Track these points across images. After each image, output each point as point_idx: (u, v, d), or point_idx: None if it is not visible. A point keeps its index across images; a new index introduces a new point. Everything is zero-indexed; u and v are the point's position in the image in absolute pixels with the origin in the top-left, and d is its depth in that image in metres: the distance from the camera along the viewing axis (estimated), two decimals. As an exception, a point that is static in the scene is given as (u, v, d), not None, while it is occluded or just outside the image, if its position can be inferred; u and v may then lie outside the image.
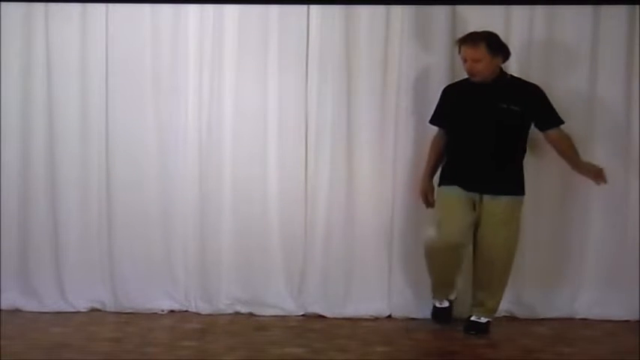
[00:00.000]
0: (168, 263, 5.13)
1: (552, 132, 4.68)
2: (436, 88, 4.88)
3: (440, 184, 4.73)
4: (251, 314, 5.06)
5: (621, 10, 4.95)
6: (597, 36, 4.97)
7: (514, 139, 4.63)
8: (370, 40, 5.00)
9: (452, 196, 4.64)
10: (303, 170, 5.06)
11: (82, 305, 5.08)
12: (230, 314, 5.06)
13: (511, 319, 5.01)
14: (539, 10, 4.98)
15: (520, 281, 5.04)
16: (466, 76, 4.66)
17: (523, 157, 4.70)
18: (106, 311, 5.08)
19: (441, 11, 4.98)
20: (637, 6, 4.93)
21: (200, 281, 5.11)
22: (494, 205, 4.60)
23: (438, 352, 4.38)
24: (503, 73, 4.65)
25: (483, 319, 4.69)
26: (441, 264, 4.69)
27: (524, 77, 4.96)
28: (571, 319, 5.00)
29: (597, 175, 4.68)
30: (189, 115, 5.07)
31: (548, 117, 4.67)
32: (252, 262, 5.09)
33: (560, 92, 4.98)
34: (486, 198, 4.61)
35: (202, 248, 5.10)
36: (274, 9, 5.01)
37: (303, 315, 5.05)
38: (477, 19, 4.97)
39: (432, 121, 4.80)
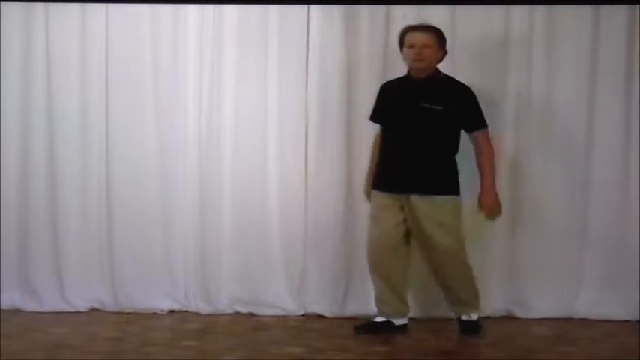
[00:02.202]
0: (168, 263, 5.13)
1: (474, 135, 4.54)
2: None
3: (372, 188, 4.67)
4: (251, 314, 5.06)
5: (621, 10, 4.96)
6: (597, 36, 4.98)
7: (437, 138, 4.48)
8: (370, 40, 5.00)
9: (378, 199, 4.59)
10: (303, 170, 5.06)
11: (82, 305, 5.08)
12: (230, 314, 5.07)
13: (511, 319, 5.02)
14: (539, 10, 4.98)
15: (520, 281, 5.05)
16: (401, 76, 4.63)
17: (452, 158, 4.55)
18: (106, 311, 5.09)
19: (440, 11, 4.98)
20: (637, 6, 4.94)
21: (200, 281, 5.11)
22: (423, 205, 4.47)
23: (438, 352, 4.37)
24: (437, 72, 4.55)
25: (474, 316, 4.62)
26: (375, 268, 4.64)
27: (524, 77, 4.99)
28: (571, 319, 5.00)
29: (491, 212, 4.53)
30: (189, 115, 5.08)
31: (470, 120, 4.52)
32: (252, 262, 5.10)
33: (561, 92, 5.00)
34: (414, 199, 4.49)
35: (202, 248, 5.10)
36: (274, 9, 5.01)
37: (303, 315, 5.05)
38: (477, 19, 4.99)
39: (371, 118, 4.73)
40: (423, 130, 4.46)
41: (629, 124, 5.00)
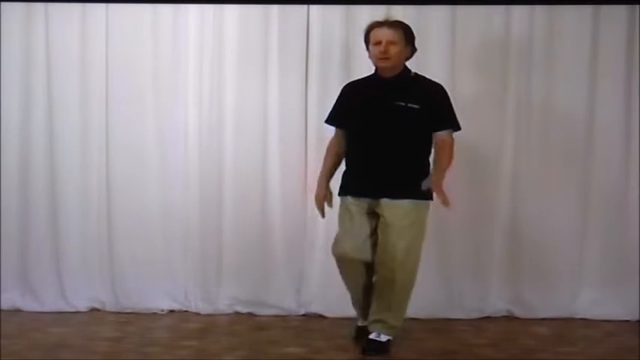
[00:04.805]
0: (168, 263, 5.13)
1: (439, 134, 4.24)
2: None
3: (338, 194, 4.39)
4: (251, 314, 5.06)
5: (621, 10, 4.96)
6: (597, 36, 4.98)
7: (414, 139, 4.23)
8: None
9: (346, 207, 4.33)
10: (303, 170, 5.06)
11: (82, 305, 5.09)
12: (230, 314, 5.07)
13: (511, 319, 5.02)
14: (539, 10, 4.98)
15: (520, 281, 5.06)
16: (367, 75, 4.41)
17: (426, 159, 4.31)
18: (106, 311, 5.09)
19: (441, 11, 4.98)
20: (637, 6, 4.94)
21: (200, 281, 5.11)
22: (393, 210, 4.19)
23: (438, 352, 4.37)
24: (406, 70, 4.30)
25: (384, 338, 4.27)
26: (345, 279, 4.41)
27: (524, 77, 4.99)
28: (571, 319, 5.00)
29: (444, 201, 4.18)
30: (190, 114, 5.08)
31: (440, 118, 4.24)
32: (252, 262, 5.10)
33: (560, 92, 5.00)
34: (384, 202, 4.21)
35: (202, 248, 5.11)
36: (274, 9, 5.02)
37: (303, 315, 5.05)
38: (477, 19, 4.99)
39: (327, 121, 4.47)
40: (397, 130, 4.21)
41: (629, 124, 5.01)
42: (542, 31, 4.99)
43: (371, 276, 4.36)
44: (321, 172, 4.46)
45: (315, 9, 5.02)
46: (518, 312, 5.05)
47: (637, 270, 4.99)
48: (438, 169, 4.24)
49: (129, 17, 5.05)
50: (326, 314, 5.02)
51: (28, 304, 5.08)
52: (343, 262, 4.37)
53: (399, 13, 4.94)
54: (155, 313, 5.05)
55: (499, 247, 5.06)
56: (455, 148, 4.29)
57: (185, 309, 5.12)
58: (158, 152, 5.10)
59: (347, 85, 4.51)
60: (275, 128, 5.06)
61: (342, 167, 4.45)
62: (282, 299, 5.07)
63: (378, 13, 4.92)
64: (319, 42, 5.02)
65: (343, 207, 4.38)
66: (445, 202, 4.20)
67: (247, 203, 5.09)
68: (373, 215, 4.31)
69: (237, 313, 5.08)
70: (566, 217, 5.04)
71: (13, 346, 4.32)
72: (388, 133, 4.23)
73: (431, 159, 4.32)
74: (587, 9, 4.97)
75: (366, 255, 4.31)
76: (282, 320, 4.95)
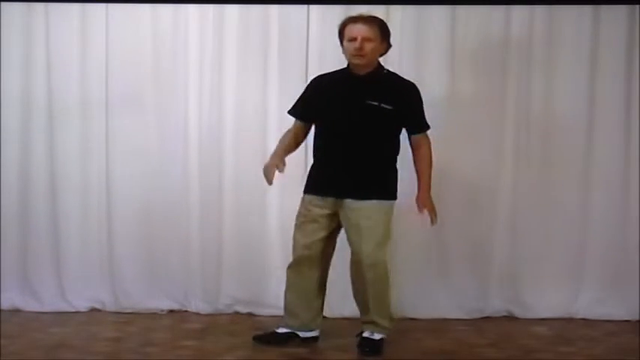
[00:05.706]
0: (168, 263, 5.13)
1: (416, 137, 4.25)
2: (435, 88, 4.88)
3: (303, 191, 4.39)
4: (251, 314, 5.06)
5: (621, 10, 4.96)
6: (597, 36, 4.98)
7: (381, 139, 4.19)
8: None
9: (306, 206, 4.32)
10: (303, 170, 5.05)
11: (82, 305, 5.09)
12: (230, 314, 5.07)
13: (511, 319, 5.03)
14: (539, 10, 4.98)
15: (520, 281, 5.06)
16: (337, 68, 4.38)
17: (394, 159, 4.29)
18: (106, 311, 5.09)
19: (441, 11, 4.98)
20: (637, 6, 4.94)
21: (200, 281, 5.11)
22: (357, 211, 4.17)
23: (438, 352, 4.37)
24: (380, 67, 4.25)
25: (377, 336, 4.31)
26: (292, 279, 4.42)
27: (524, 77, 4.98)
28: (571, 319, 5.01)
29: (430, 213, 4.24)
30: (190, 115, 5.08)
31: (417, 121, 4.24)
32: (252, 262, 5.10)
33: (560, 92, 5.01)
34: (348, 203, 4.20)
35: (202, 248, 5.10)
36: (274, 9, 5.02)
37: (303, 315, 5.05)
38: (477, 19, 4.99)
39: (290, 112, 4.43)
40: (367, 129, 4.16)
41: (629, 124, 5.01)
42: (542, 31, 4.99)
43: (317, 279, 4.40)
44: (276, 148, 4.39)
45: (315, 9, 5.02)
46: (518, 312, 5.05)
47: (637, 270, 4.99)
48: (421, 182, 4.25)
49: (129, 17, 5.04)
50: (325, 314, 5.00)
51: (28, 304, 5.08)
52: (295, 261, 4.38)
53: (398, 13, 4.95)
54: (155, 313, 5.05)
55: (499, 246, 5.06)
56: (432, 146, 4.29)
57: (185, 309, 5.12)
58: (158, 152, 5.09)
59: (316, 78, 4.46)
60: (275, 128, 5.04)
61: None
62: (282, 299, 5.06)
63: (379, 13, 4.93)
64: (319, 42, 5.02)
65: (303, 206, 4.36)
66: (430, 220, 4.25)
67: (247, 203, 5.08)
68: (334, 216, 4.29)
69: (237, 313, 5.08)
70: (566, 216, 5.04)
71: (13, 346, 4.33)
72: (356, 131, 4.19)
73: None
74: (587, 9, 4.97)
75: (317, 253, 4.32)
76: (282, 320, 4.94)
